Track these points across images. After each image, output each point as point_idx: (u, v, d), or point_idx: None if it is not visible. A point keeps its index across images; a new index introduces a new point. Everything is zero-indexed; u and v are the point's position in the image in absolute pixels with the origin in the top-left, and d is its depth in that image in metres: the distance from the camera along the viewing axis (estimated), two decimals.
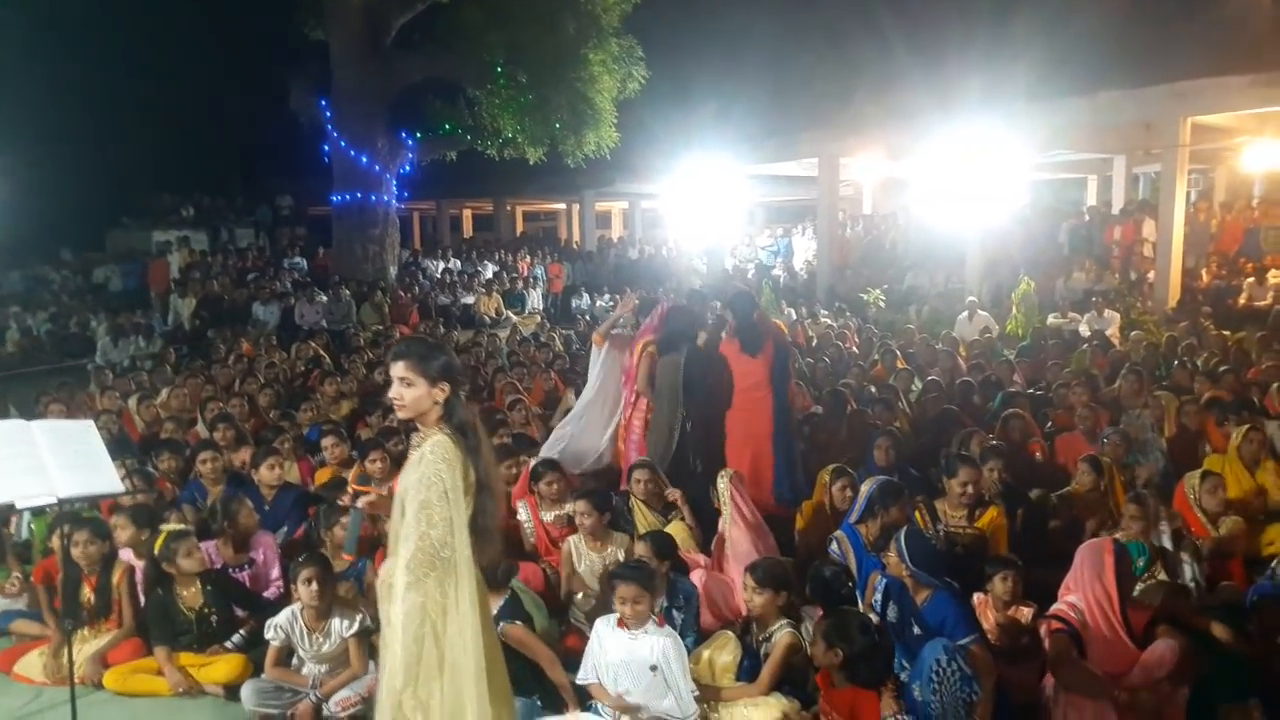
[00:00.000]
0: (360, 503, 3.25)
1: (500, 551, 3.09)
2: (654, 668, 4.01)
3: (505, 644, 4.21)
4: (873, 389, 8.87)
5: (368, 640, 4.49)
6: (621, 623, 4.14)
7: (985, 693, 3.89)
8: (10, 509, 5.22)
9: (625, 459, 6.77)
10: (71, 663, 3.80)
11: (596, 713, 4.17)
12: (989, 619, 4.57)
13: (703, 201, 19.33)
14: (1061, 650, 3.75)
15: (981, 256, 16.23)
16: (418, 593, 2.91)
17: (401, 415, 3.12)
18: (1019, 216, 17.52)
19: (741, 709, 4.10)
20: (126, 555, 5.34)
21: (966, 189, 15.36)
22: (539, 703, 4.28)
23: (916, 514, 5.01)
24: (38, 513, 6.21)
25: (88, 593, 5.07)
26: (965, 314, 13.58)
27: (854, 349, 11.82)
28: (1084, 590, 3.88)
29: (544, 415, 8.76)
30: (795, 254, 22.23)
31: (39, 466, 3.21)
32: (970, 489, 5.25)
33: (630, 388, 7.00)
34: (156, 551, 4.93)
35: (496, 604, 4.37)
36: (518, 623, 4.34)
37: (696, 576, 5.02)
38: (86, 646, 4.95)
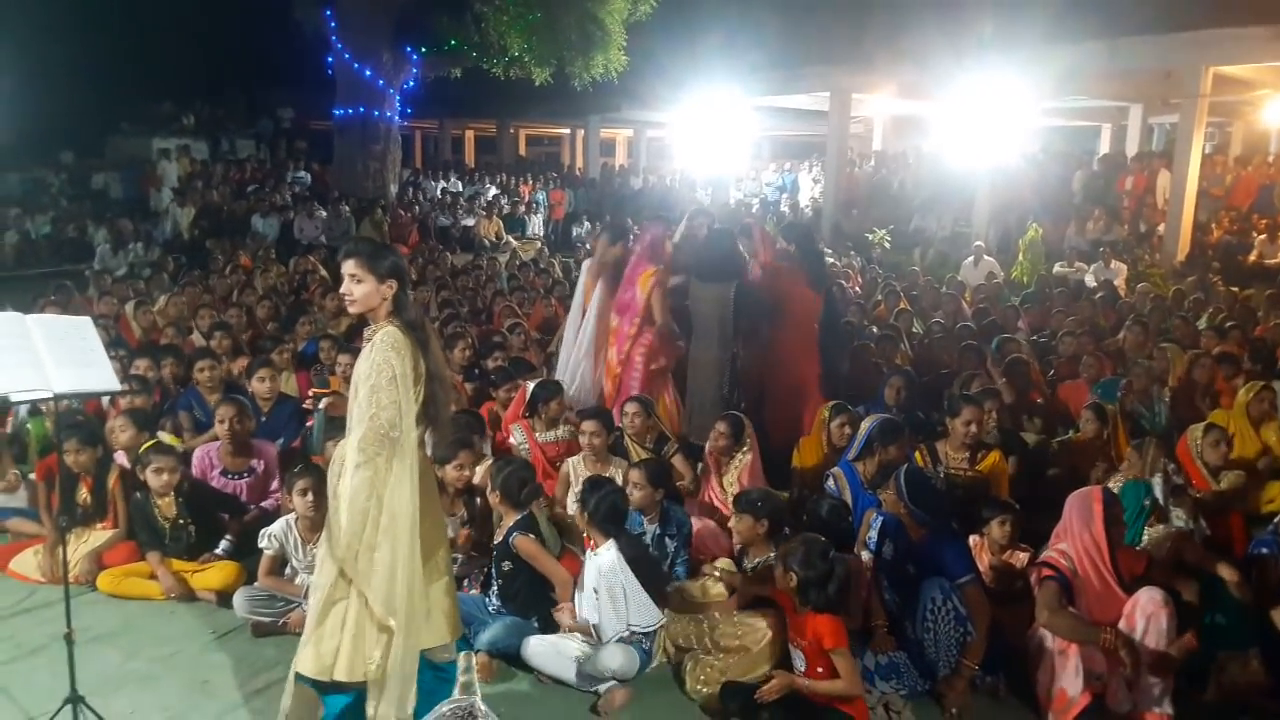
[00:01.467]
0: (322, 404, 3.36)
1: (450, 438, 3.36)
2: (595, 590, 4.06)
3: (518, 560, 4.33)
4: (874, 329, 8.83)
5: None
6: (589, 544, 4.17)
7: (979, 634, 3.92)
8: (5, 402, 5.19)
9: (624, 392, 6.29)
10: (66, 562, 3.78)
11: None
12: (983, 561, 4.59)
13: (709, 132, 19.01)
14: (1050, 597, 3.75)
15: (990, 201, 16.05)
16: (368, 469, 3.07)
17: (351, 310, 3.26)
18: (1033, 161, 17.27)
19: (734, 619, 4.15)
20: (121, 458, 5.33)
21: (978, 131, 15.11)
22: (535, 624, 4.31)
23: (917, 454, 4.99)
24: (33, 412, 6.19)
25: (84, 493, 5.07)
26: (971, 259, 13.47)
27: (857, 289, 11.74)
28: (1073, 539, 3.88)
29: (542, 340, 8.71)
30: (801, 190, 21.98)
31: (35, 360, 3.15)
32: (973, 429, 5.22)
33: (628, 319, 6.35)
34: (139, 456, 4.92)
35: (514, 519, 4.41)
36: (531, 536, 4.35)
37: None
38: (82, 547, 4.96)
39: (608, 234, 7.19)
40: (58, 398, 3.15)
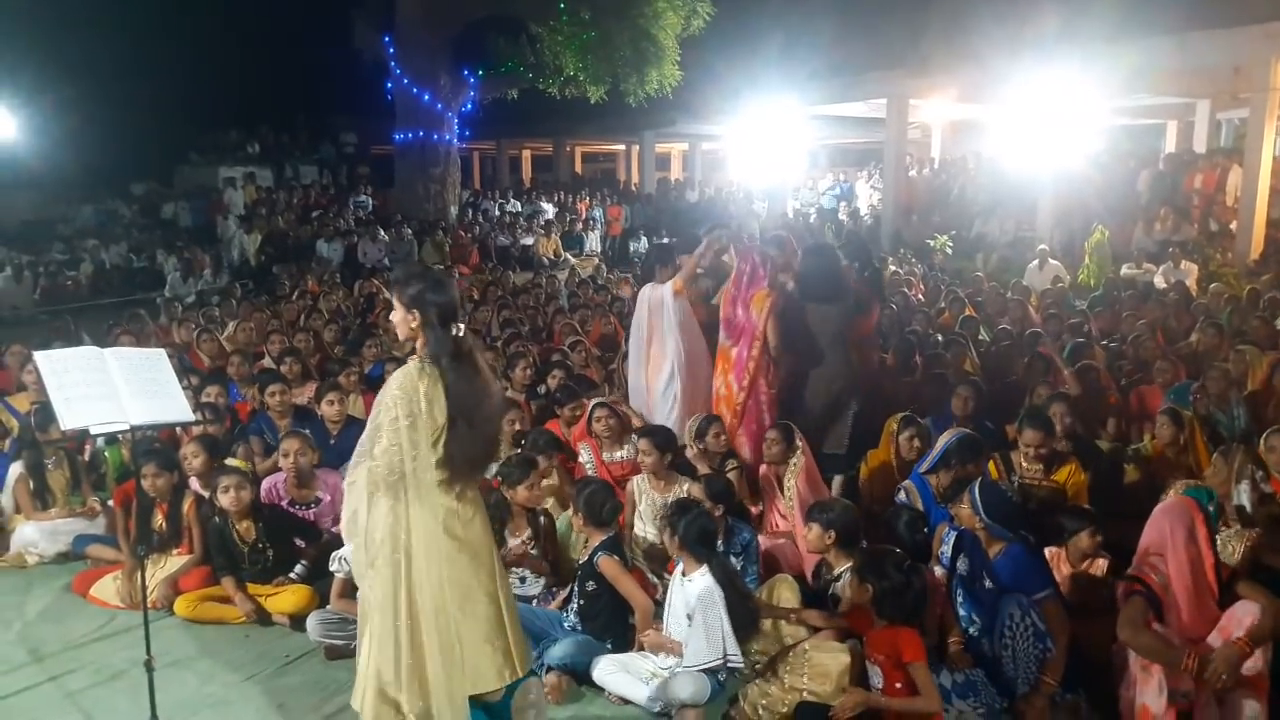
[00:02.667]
0: None
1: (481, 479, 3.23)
2: (689, 616, 4.00)
3: (601, 581, 4.32)
4: (938, 337, 8.68)
5: None
6: (670, 566, 4.12)
7: (1059, 650, 3.80)
8: (85, 435, 5.34)
9: (751, 417, 5.96)
10: (145, 589, 3.85)
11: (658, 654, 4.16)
12: (1062, 572, 4.45)
13: (765, 143, 18.94)
14: (1135, 614, 3.61)
15: (1054, 204, 15.72)
16: (359, 503, 3.13)
17: (400, 338, 3.25)
18: (1096, 163, 16.88)
19: (805, 655, 4.01)
20: (195, 485, 5.44)
21: (1040, 133, 14.81)
22: (609, 646, 4.29)
23: (990, 465, 4.87)
24: (110, 440, 6.35)
25: (160, 519, 5.18)
26: (1036, 263, 13.19)
27: (919, 296, 11.56)
28: (1174, 552, 3.71)
29: (603, 358, 8.71)
30: (859, 198, 21.77)
31: (112, 394, 3.24)
32: (1035, 451, 5.07)
33: (745, 344, 5.96)
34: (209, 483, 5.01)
35: (599, 539, 4.41)
36: (615, 557, 4.35)
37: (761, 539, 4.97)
38: (158, 572, 5.07)
39: (660, 260, 6.83)
40: (135, 429, 3.23)
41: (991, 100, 16.80)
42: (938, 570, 4.21)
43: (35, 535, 5.70)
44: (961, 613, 4.10)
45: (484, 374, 3.19)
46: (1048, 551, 4.51)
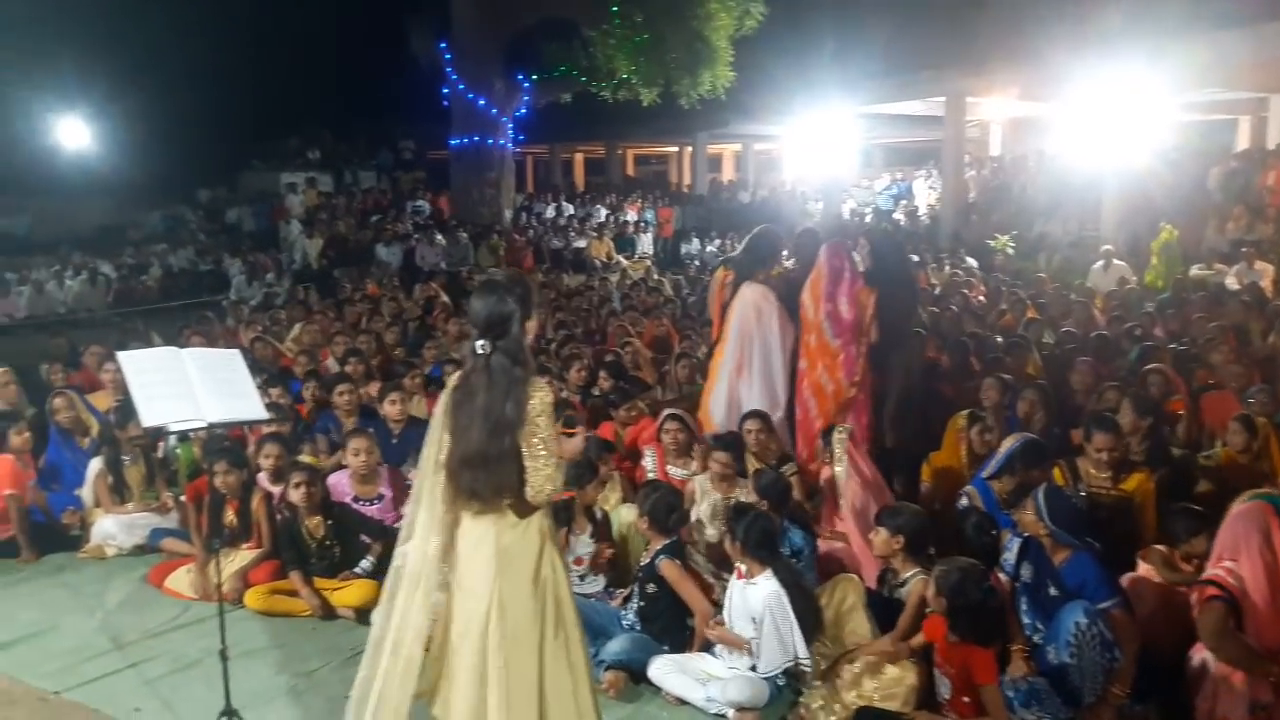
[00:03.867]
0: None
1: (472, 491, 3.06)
2: (754, 619, 4.00)
3: (662, 584, 4.35)
4: (999, 339, 8.56)
5: None
6: (739, 573, 4.12)
7: (1127, 660, 3.74)
8: (160, 432, 5.52)
9: (863, 412, 5.92)
10: (220, 582, 3.98)
11: (715, 656, 4.18)
12: (1154, 577, 4.33)
13: (819, 142, 18.83)
14: (1217, 620, 3.54)
15: (1119, 203, 15.39)
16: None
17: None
18: (1164, 159, 16.48)
19: (863, 675, 3.99)
20: (264, 481, 5.59)
21: (1105, 130, 14.52)
22: (666, 648, 4.32)
23: (1055, 471, 4.80)
24: (182, 438, 6.54)
25: (231, 515, 5.33)
26: (1100, 263, 12.93)
27: (980, 298, 11.41)
28: (1251, 558, 3.63)
29: (656, 359, 8.75)
30: (916, 198, 21.54)
31: (189, 392, 3.36)
32: (1108, 455, 4.97)
33: (854, 340, 5.91)
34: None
35: (661, 543, 4.44)
36: (677, 562, 4.37)
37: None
38: (229, 565, 5.21)
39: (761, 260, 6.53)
40: (211, 427, 3.34)
41: (1053, 97, 16.51)
42: (1001, 577, 4.17)
43: (114, 528, 5.91)
44: (1025, 620, 4.05)
45: (483, 395, 3.05)
46: (1141, 568, 4.40)
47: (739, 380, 6.11)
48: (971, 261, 14.51)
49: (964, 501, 4.97)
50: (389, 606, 3.16)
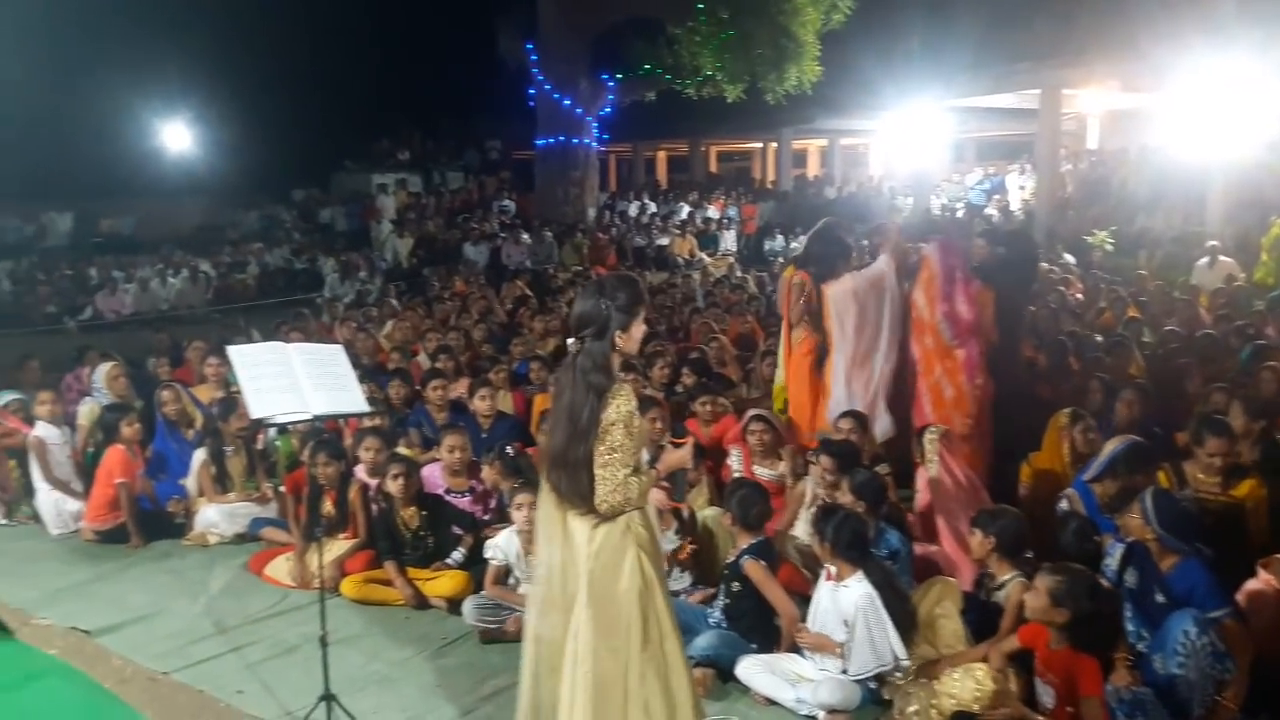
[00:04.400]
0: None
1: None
2: (845, 622, 3.95)
3: (746, 584, 4.33)
4: (1098, 338, 8.29)
5: None
6: (829, 575, 4.08)
7: (1240, 671, 3.59)
8: (263, 424, 5.70)
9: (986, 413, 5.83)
10: (322, 570, 4.09)
11: (805, 657, 4.14)
12: (1275, 586, 4.13)
13: (907, 137, 18.49)
14: None
15: (1226, 197, 14.74)
16: None
17: None
18: (1276, 151, 15.72)
19: (955, 678, 3.88)
20: (360, 473, 5.73)
21: (1211, 122, 13.93)
22: (754, 647, 4.29)
23: (1160, 475, 4.63)
24: (281, 431, 6.76)
25: (328, 506, 5.48)
26: (1205, 260, 12.39)
27: (1078, 296, 11.07)
28: None
29: (741, 357, 8.70)
30: (1009, 193, 20.98)
31: (295, 385, 3.46)
32: (1220, 460, 4.77)
33: (974, 341, 5.78)
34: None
35: (747, 541, 4.43)
36: (762, 562, 4.34)
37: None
38: (326, 554, 5.34)
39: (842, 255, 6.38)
40: (316, 419, 3.44)
41: (1156, 88, 15.92)
42: (1103, 583, 4.03)
43: (216, 517, 6.14)
44: (1130, 628, 3.92)
45: (567, 395, 3.11)
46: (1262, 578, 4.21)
47: (856, 382, 5.87)
48: (1069, 258, 14.08)
49: (1064, 505, 4.83)
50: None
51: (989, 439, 5.75)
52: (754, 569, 4.31)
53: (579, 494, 3.04)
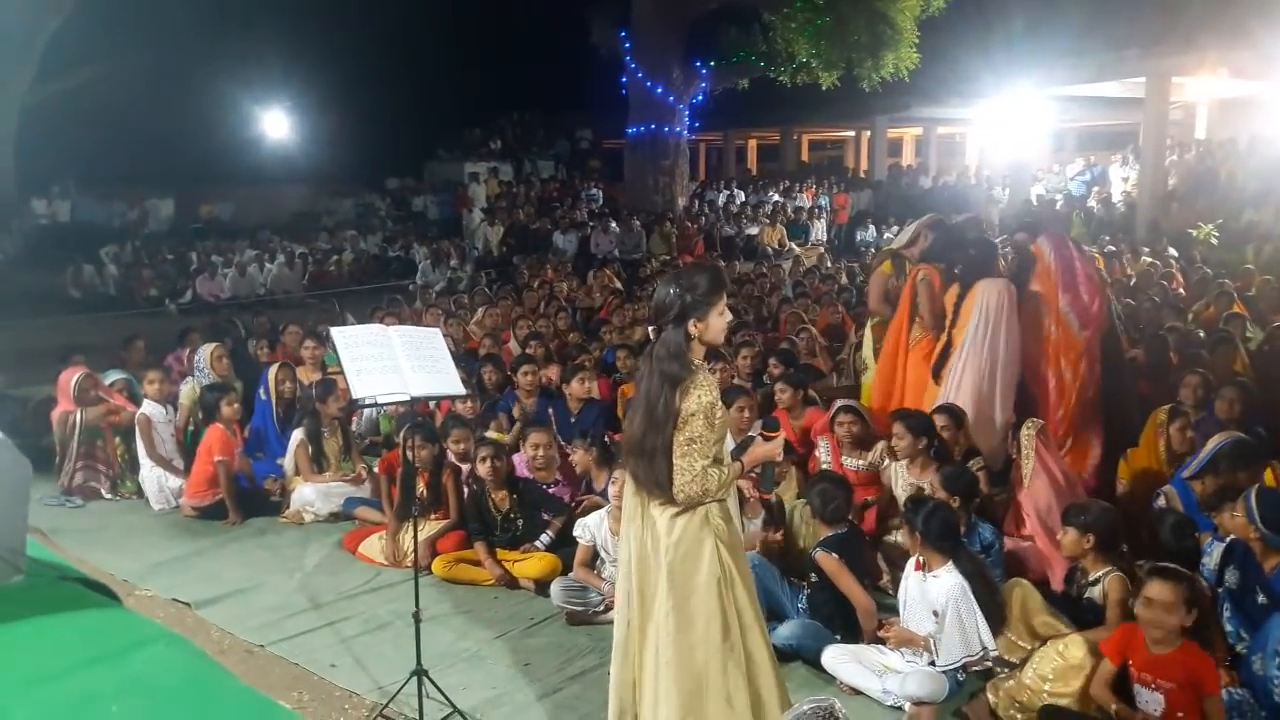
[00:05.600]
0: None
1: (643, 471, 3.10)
2: (936, 612, 3.90)
3: (822, 575, 4.32)
4: (1201, 334, 7.99)
5: None
6: (919, 564, 4.03)
7: None
8: (359, 405, 5.89)
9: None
10: (417, 549, 4.22)
11: (891, 649, 4.10)
12: None
13: (1005, 127, 18.02)
14: None
15: None
16: None
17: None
18: None
19: (1037, 655, 3.84)
20: (452, 456, 5.87)
21: None
22: (838, 637, 4.28)
23: (1267, 473, 4.45)
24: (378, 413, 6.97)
25: (421, 487, 5.62)
26: None
27: (1180, 290, 10.67)
28: None
29: (830, 348, 8.62)
30: (1111, 184, 20.29)
31: (395, 367, 3.57)
32: None
33: (1096, 335, 5.84)
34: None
35: (825, 534, 4.43)
36: (834, 555, 4.32)
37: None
38: (419, 534, 5.49)
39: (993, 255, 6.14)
40: (414, 400, 3.54)
41: (1267, 76, 15.21)
42: (1200, 582, 3.91)
43: (312, 495, 6.32)
44: (1228, 628, 3.81)
45: (644, 383, 3.13)
46: None
47: (987, 388, 5.69)
48: (1172, 252, 13.58)
49: (1161, 502, 4.69)
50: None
51: (1098, 435, 5.62)
52: (827, 561, 4.29)
53: (656, 483, 3.04)
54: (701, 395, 2.99)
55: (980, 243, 6.15)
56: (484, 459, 5.34)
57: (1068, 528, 4.14)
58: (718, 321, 3.09)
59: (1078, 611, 4.10)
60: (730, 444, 3.31)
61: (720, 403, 3.08)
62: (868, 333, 6.75)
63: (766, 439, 3.34)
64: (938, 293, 5.99)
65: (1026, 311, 5.78)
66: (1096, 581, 4.07)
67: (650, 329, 3.13)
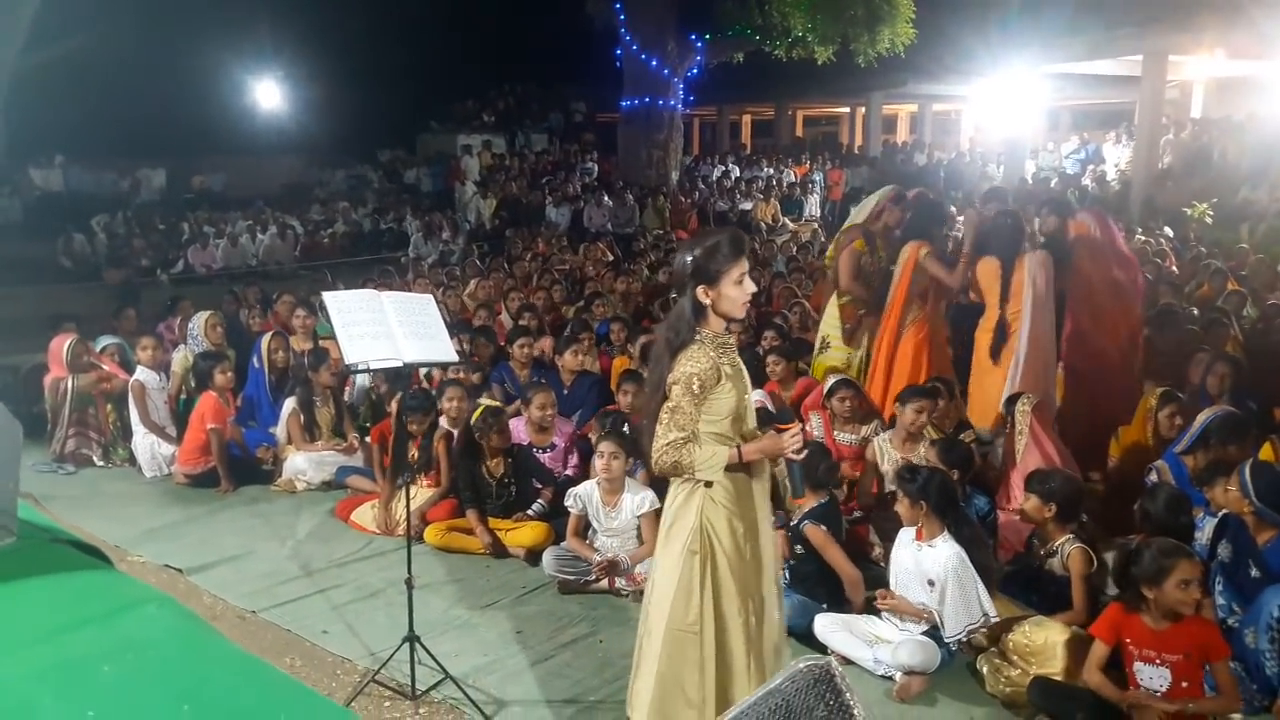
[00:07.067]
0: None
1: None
2: (931, 582, 3.91)
3: (808, 546, 4.32)
4: (1194, 311, 8.01)
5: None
6: (919, 534, 4.03)
7: None
8: (352, 371, 5.85)
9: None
10: (409, 516, 4.19)
11: (882, 619, 4.12)
12: None
13: (1001, 104, 17.94)
14: None
15: None
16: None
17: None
18: None
19: (1025, 630, 3.86)
20: (444, 423, 5.85)
21: None
22: (825, 607, 4.29)
23: (1266, 446, 4.47)
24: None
25: (413, 452, 5.61)
26: None
27: (1173, 268, 10.68)
28: None
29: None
30: (1106, 162, 20.26)
31: (388, 333, 3.54)
32: None
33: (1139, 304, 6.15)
34: (473, 422, 5.37)
35: (810, 504, 4.40)
36: (822, 527, 4.32)
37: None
38: (411, 503, 5.49)
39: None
40: (407, 367, 3.52)
41: (1264, 56, 15.14)
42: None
43: (304, 464, 6.33)
44: (1220, 601, 3.84)
45: (656, 350, 3.13)
46: None
47: (1042, 363, 5.76)
48: (1167, 231, 13.58)
49: (1152, 477, 4.71)
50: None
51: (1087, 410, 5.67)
52: (815, 533, 4.30)
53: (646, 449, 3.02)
54: (686, 365, 2.89)
55: (1009, 215, 6.07)
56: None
57: (1030, 494, 4.16)
58: (733, 290, 2.92)
59: (1036, 582, 4.13)
60: (752, 423, 3.12)
61: (707, 377, 2.89)
62: (834, 310, 6.63)
63: (779, 431, 3.08)
64: (952, 270, 5.97)
65: (1077, 288, 5.80)
66: (1055, 552, 4.10)
67: (673, 296, 3.08)
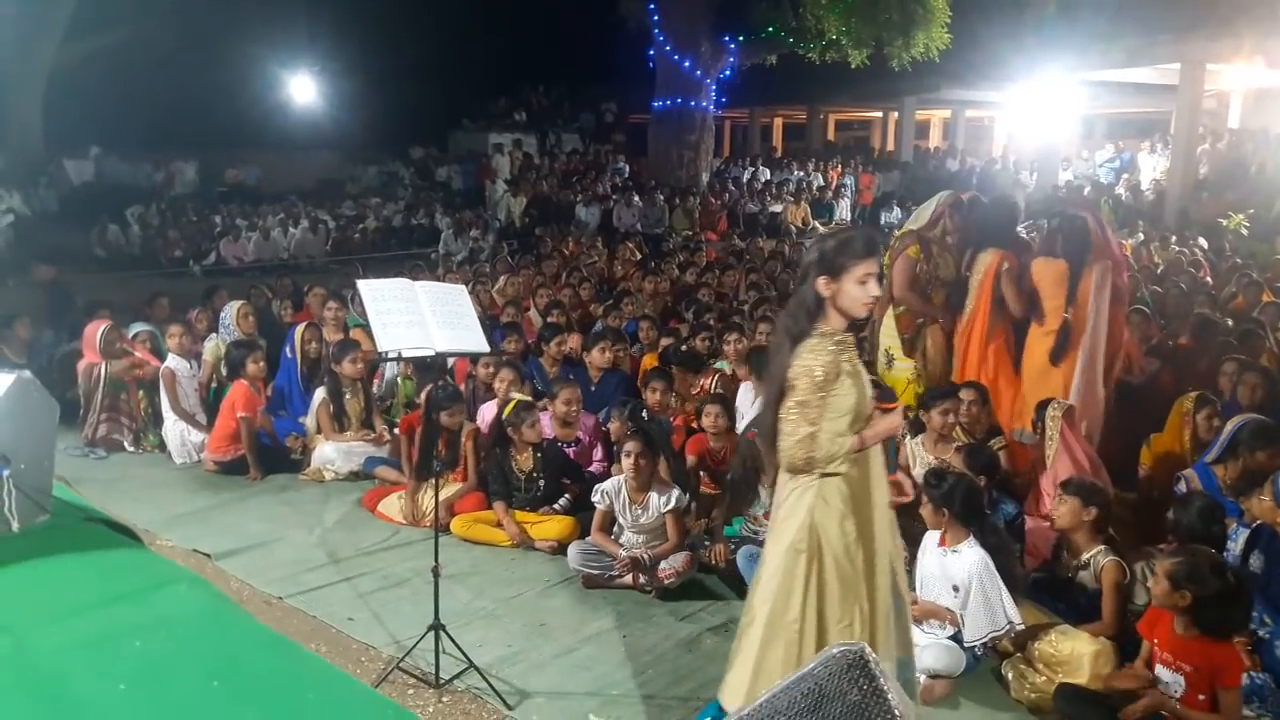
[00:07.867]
0: None
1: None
2: (956, 587, 3.88)
3: None
4: (1229, 322, 7.90)
5: (685, 517, 4.70)
6: (943, 539, 4.01)
7: None
8: (382, 361, 5.89)
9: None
10: (438, 508, 4.24)
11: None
12: None
13: (1035, 111, 17.80)
14: None
15: None
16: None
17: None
18: None
19: (1051, 639, 3.81)
20: (484, 413, 5.90)
21: None
22: None
23: None
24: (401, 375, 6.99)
25: (440, 447, 5.64)
26: None
27: (1208, 278, 10.55)
28: None
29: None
30: (1140, 172, 20.04)
31: (421, 321, 3.57)
32: None
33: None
34: (505, 416, 5.40)
35: None
36: None
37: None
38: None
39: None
40: (439, 355, 3.54)
41: None
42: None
43: (333, 454, 6.37)
44: (1253, 612, 3.77)
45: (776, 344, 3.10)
46: None
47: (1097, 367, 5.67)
48: (1202, 242, 13.41)
49: (1182, 486, 4.65)
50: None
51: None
52: None
53: (771, 443, 2.97)
54: (809, 360, 2.85)
55: (1078, 218, 5.85)
56: (532, 425, 5.39)
57: (1067, 497, 4.09)
58: (854, 289, 2.86)
59: (1066, 593, 4.09)
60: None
61: (836, 370, 2.85)
62: (890, 322, 6.31)
63: (884, 411, 3.05)
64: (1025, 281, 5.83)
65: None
66: (1087, 565, 4.05)
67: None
